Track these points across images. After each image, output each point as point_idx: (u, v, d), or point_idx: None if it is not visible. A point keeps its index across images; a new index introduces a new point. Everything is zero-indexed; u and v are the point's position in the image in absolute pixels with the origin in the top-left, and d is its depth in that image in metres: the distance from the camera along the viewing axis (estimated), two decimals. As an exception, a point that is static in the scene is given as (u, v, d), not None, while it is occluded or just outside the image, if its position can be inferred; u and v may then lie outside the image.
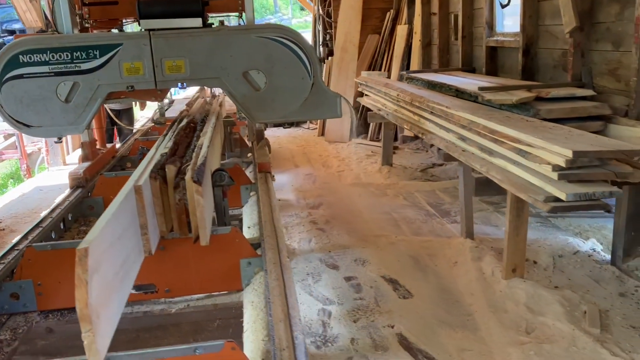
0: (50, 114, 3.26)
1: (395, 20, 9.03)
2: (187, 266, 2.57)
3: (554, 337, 2.98)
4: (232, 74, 3.32)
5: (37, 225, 2.97)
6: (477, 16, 6.27)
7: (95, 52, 3.22)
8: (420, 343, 3.03)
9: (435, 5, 7.39)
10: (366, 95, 7.11)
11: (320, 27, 10.67)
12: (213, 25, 3.60)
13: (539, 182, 2.91)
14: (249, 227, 3.16)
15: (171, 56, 3.27)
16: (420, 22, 7.87)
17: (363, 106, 7.85)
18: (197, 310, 2.61)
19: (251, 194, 3.63)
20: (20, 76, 3.17)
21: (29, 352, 2.26)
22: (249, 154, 4.85)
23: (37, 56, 3.18)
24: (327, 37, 10.26)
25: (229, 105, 5.42)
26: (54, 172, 7.79)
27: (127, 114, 7.26)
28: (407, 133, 8.06)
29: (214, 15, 4.64)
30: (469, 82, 5.01)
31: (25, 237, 2.83)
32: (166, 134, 3.36)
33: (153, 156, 2.71)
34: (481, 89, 4.35)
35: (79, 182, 3.73)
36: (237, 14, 4.68)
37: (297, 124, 10.59)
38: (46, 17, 5.17)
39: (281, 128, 10.58)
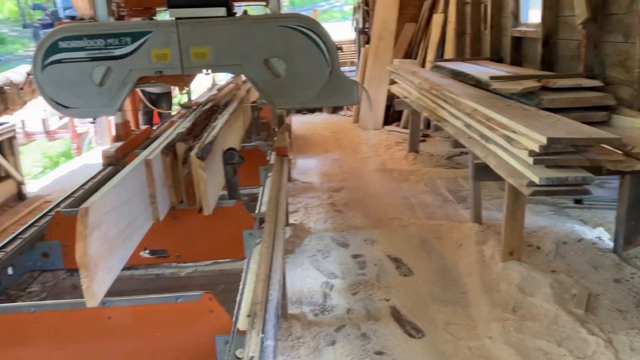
0: (85, 97, 3.54)
1: (432, 9, 9.06)
2: (196, 235, 2.84)
3: (538, 316, 3.12)
4: (254, 61, 3.49)
5: (69, 196, 3.32)
6: (506, 6, 6.29)
7: (127, 39, 3.48)
8: (411, 316, 3.25)
9: (469, -5, 7.43)
10: (396, 83, 7.25)
11: (359, 16, 10.80)
12: (237, 15, 3.85)
13: (520, 167, 3.03)
14: (262, 205, 3.43)
15: (197, 43, 3.47)
16: (454, 11, 7.91)
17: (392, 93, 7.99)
18: (204, 274, 2.87)
19: (269, 174, 3.90)
20: (59, 61, 3.46)
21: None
22: (275, 138, 5.11)
23: (74, 42, 3.46)
24: (365, 25, 10.39)
25: (258, 91, 5.68)
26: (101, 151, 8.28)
27: (166, 98, 7.60)
28: (438, 121, 8.15)
29: (239, 4, 4.88)
30: (488, 72, 5.09)
31: (58, 205, 3.18)
32: (188, 116, 3.66)
33: (170, 135, 3.01)
34: (492, 77, 4.45)
35: (111, 160, 4.07)
36: (264, 3, 4.91)
37: (334, 110, 10.80)
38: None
39: (317, 114, 10.83)
